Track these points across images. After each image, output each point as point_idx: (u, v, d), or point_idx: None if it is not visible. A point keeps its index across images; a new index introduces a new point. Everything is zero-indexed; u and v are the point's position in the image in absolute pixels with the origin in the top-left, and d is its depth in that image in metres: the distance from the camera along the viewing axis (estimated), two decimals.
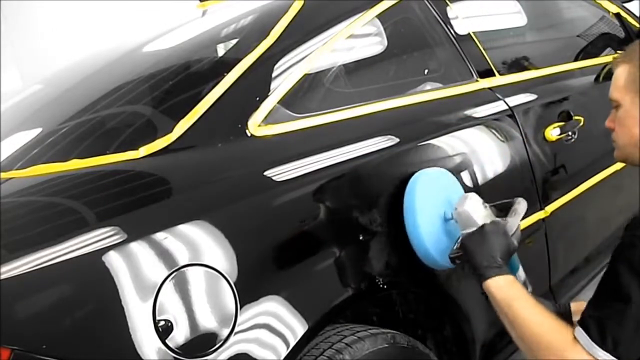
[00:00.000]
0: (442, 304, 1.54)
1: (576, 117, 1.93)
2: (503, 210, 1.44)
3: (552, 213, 1.84)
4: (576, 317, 1.45)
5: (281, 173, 1.29)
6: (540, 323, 1.22)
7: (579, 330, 1.17)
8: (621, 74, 1.34)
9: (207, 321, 1.09)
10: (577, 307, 1.47)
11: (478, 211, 1.37)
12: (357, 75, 1.68)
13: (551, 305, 1.44)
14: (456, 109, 1.72)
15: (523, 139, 1.78)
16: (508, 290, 1.26)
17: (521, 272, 1.44)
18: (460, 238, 1.36)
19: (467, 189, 1.60)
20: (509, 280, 1.28)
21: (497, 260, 1.29)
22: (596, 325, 1.15)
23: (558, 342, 1.18)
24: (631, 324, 1.12)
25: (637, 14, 2.63)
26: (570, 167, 1.94)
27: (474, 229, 1.34)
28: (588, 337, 1.15)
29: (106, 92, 1.57)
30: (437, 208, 1.41)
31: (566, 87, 2.08)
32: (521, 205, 1.46)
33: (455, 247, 1.37)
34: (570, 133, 1.90)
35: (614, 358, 1.12)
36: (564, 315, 1.43)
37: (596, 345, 1.13)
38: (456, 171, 1.58)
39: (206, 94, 1.35)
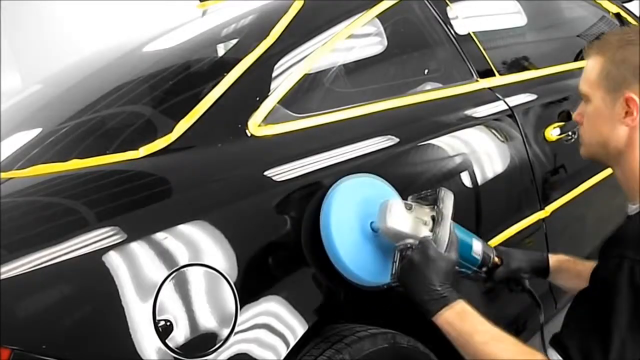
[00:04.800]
0: None
1: None
2: (431, 200, 1.27)
3: (552, 213, 1.84)
4: (557, 274, 1.46)
5: (281, 173, 1.29)
6: (504, 352, 1.10)
7: (553, 353, 1.08)
8: (593, 66, 1.24)
9: (207, 321, 1.09)
10: (557, 261, 1.46)
11: (404, 221, 1.21)
12: (357, 75, 1.68)
13: (539, 256, 1.46)
14: (456, 109, 1.72)
15: (523, 139, 1.78)
16: (462, 325, 1.13)
17: (477, 246, 1.34)
18: (397, 255, 1.23)
19: (467, 189, 1.60)
20: (458, 311, 1.14)
21: (437, 290, 1.14)
22: (577, 345, 1.06)
23: None
24: (617, 341, 1.03)
25: (637, 14, 2.63)
26: (570, 167, 1.94)
27: (409, 241, 1.21)
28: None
29: (106, 92, 1.57)
30: (358, 222, 1.26)
31: (566, 87, 2.07)
32: (445, 198, 1.25)
33: (396, 264, 1.23)
34: (570, 133, 1.90)
35: None
36: (544, 268, 1.45)
37: None
38: (456, 171, 1.58)
39: (206, 94, 1.35)
